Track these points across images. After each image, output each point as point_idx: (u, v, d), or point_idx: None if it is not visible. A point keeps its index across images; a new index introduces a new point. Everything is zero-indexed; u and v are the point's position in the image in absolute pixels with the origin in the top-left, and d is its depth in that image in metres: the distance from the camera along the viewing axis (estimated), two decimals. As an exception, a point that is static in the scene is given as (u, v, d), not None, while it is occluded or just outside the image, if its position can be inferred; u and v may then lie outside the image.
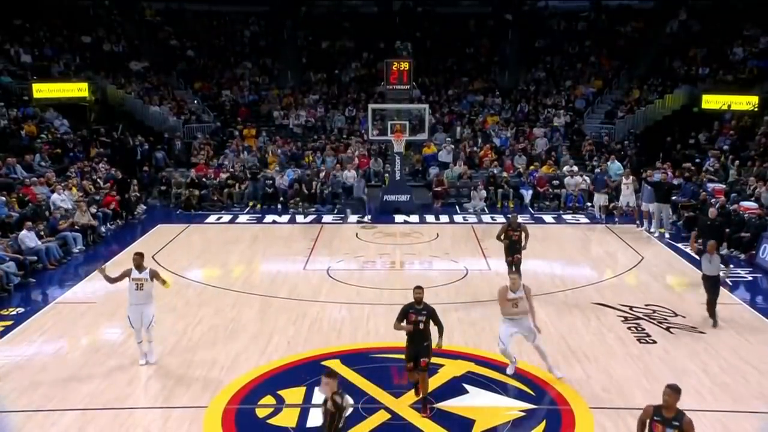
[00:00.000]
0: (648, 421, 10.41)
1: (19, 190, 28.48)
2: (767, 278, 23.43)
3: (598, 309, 20.17)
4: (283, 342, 17.74)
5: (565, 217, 32.67)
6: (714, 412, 14.10)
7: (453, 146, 38.50)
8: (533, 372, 15.84)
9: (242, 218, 32.75)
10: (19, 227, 25.04)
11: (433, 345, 13.81)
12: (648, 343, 17.76)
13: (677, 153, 35.75)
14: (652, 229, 29.19)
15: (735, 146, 34.66)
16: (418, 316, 13.49)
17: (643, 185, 30.71)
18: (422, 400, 13.72)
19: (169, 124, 40.98)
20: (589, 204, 32.92)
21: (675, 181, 31.29)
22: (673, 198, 30.10)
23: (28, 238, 24.45)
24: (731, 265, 18.84)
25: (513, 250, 20.58)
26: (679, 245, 27.21)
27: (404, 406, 13.88)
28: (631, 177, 31.90)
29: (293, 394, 14.81)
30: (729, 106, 36.58)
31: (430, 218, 32.34)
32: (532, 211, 33.72)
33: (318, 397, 14.69)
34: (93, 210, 28.84)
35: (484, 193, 34.35)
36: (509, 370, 15.31)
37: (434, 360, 14.45)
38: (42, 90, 37.44)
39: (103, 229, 29.28)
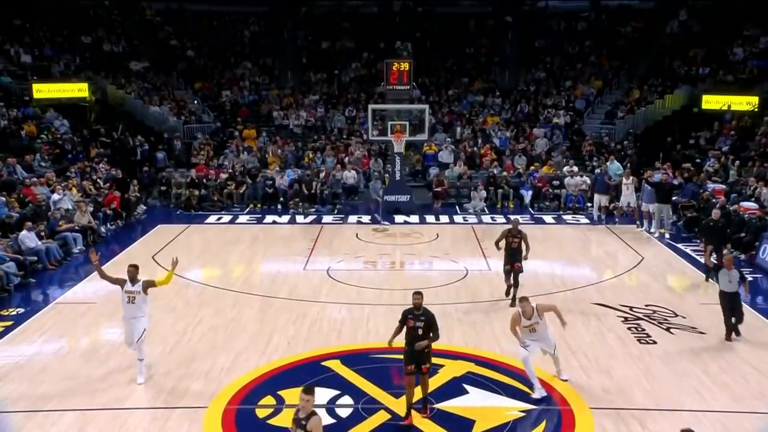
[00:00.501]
0: None
1: (19, 191, 28.49)
2: (767, 279, 23.51)
3: (599, 309, 20.20)
4: (283, 342, 17.76)
5: (565, 217, 32.69)
6: (714, 412, 14.13)
7: (453, 146, 38.56)
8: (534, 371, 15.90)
9: (242, 218, 32.77)
10: (19, 227, 25.05)
11: (422, 342, 13.57)
12: (648, 343, 17.77)
13: (677, 153, 35.78)
14: (652, 230, 29.19)
15: (735, 146, 34.69)
16: (416, 322, 13.37)
17: (643, 185, 30.71)
18: (422, 400, 13.67)
19: (169, 124, 41.02)
20: (589, 204, 32.94)
21: (675, 182, 31.29)
22: (674, 198, 30.12)
23: (28, 238, 24.45)
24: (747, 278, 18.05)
25: (512, 258, 20.01)
26: (680, 245, 27.28)
27: (404, 406, 13.82)
28: (631, 177, 31.95)
29: (293, 395, 14.42)
30: (729, 106, 36.62)
31: (430, 218, 32.36)
32: (532, 212, 33.77)
33: (318, 397, 14.76)
34: (90, 208, 28.86)
35: (484, 193, 34.32)
36: (536, 395, 14.56)
37: (435, 360, 14.46)
38: (42, 90, 37.51)
39: (103, 229, 29.30)
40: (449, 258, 25.81)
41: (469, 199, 34.35)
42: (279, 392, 14.87)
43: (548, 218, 32.54)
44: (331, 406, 14.36)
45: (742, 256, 24.64)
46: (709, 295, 21.34)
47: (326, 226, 31.05)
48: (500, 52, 48.03)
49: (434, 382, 14.74)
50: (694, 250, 26.47)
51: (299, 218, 32.65)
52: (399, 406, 13.62)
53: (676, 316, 19.58)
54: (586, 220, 31.83)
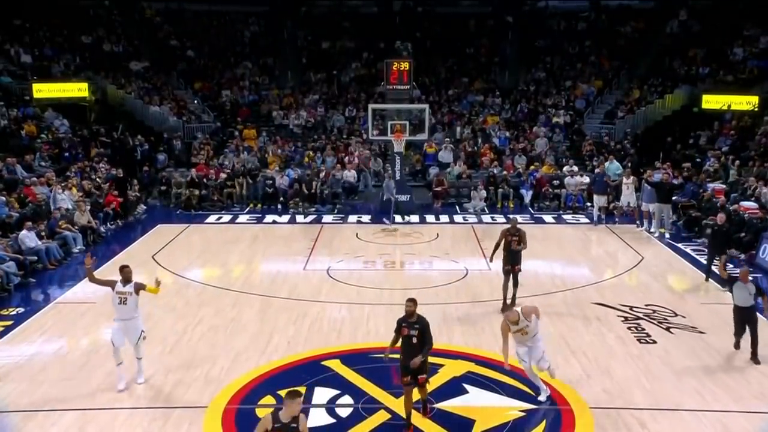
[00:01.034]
0: None
1: (19, 190, 28.52)
2: (766, 277, 23.52)
3: (599, 309, 20.20)
4: (283, 342, 17.78)
5: (565, 217, 32.72)
6: (714, 412, 14.13)
7: (452, 146, 38.58)
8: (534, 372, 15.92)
9: (242, 218, 32.81)
10: (19, 227, 25.11)
11: (416, 359, 13.23)
12: (648, 343, 17.79)
13: (677, 153, 35.81)
14: (652, 229, 29.21)
15: (735, 146, 34.72)
16: (410, 330, 13.13)
17: (643, 185, 30.75)
18: (421, 402, 13.59)
19: (169, 124, 41.05)
20: (588, 204, 32.94)
21: (676, 182, 31.31)
22: (674, 198, 30.14)
23: (28, 238, 24.50)
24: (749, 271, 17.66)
25: (512, 258, 19.76)
26: (680, 245, 27.31)
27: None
28: (631, 177, 32.01)
29: (293, 394, 14.83)
30: (729, 106, 36.64)
31: (430, 218, 32.38)
32: (532, 211, 33.79)
33: (318, 397, 14.81)
34: (88, 207, 28.93)
35: (484, 193, 34.37)
36: (542, 397, 14.50)
37: (434, 360, 14.47)
38: (42, 90, 37.55)
39: (102, 229, 29.35)
40: (449, 258, 25.81)
41: (469, 199, 34.40)
42: (279, 392, 14.61)
43: (548, 218, 32.55)
44: (331, 406, 14.39)
45: (742, 256, 24.67)
46: (709, 295, 21.49)
47: (326, 226, 31.07)
48: (500, 52, 48.05)
49: (434, 382, 14.75)
50: (695, 250, 26.55)
51: (299, 218, 32.68)
52: (399, 405, 13.60)
53: (676, 315, 19.59)
54: (586, 220, 31.82)
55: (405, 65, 36.50)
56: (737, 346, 16.39)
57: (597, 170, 34.02)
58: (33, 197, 28.33)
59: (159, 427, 13.74)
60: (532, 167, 36.69)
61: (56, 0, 44.33)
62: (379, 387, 14.76)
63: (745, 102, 36.07)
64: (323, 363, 16.39)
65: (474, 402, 14.55)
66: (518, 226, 19.97)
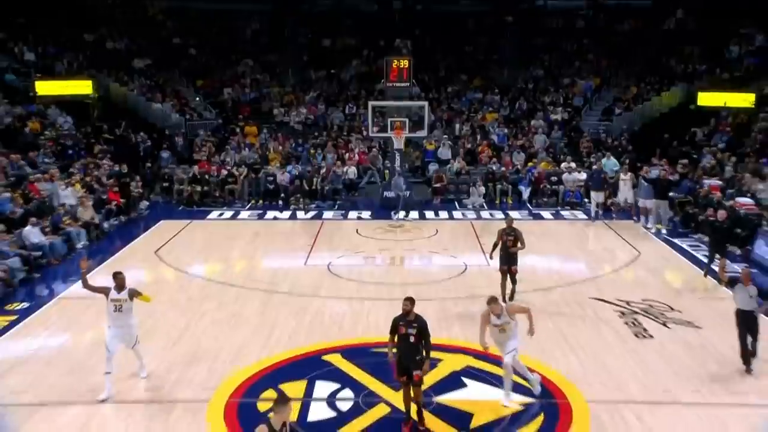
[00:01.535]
0: None
1: (24, 187, 28.54)
2: (762, 273, 23.41)
3: (596, 304, 20.25)
4: (284, 336, 17.83)
5: (563, 213, 32.78)
6: (711, 405, 14.19)
7: (451, 143, 38.62)
8: (533, 367, 15.88)
9: (244, 214, 32.84)
10: (23, 223, 25.13)
11: (425, 367, 13.16)
12: (645, 337, 17.85)
13: (674, 150, 35.84)
14: (649, 225, 29.27)
15: (731, 143, 34.77)
16: (408, 329, 13.01)
17: (640, 181, 30.82)
18: (417, 413, 13.26)
19: (172, 121, 41.08)
20: (586, 200, 32.99)
21: (672, 178, 31.36)
22: (671, 194, 30.18)
23: (32, 233, 24.54)
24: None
25: (508, 258, 19.78)
26: (676, 241, 27.38)
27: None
28: (629, 173, 32.06)
29: (294, 388, 14.80)
30: (725, 103, 36.66)
31: (429, 214, 32.41)
32: (530, 207, 33.84)
33: (319, 390, 14.85)
34: (91, 203, 29.02)
35: (482, 189, 34.43)
36: (536, 389, 14.44)
37: (434, 354, 14.48)
38: (45, 87, 37.52)
39: (106, 225, 29.37)
40: (448, 253, 25.84)
41: (468, 195, 34.50)
42: (280, 386, 14.86)
43: (546, 214, 32.56)
44: (331, 400, 14.45)
45: (738, 251, 24.69)
46: (706, 290, 21.49)
47: (327, 222, 31.11)
48: (498, 50, 48.05)
49: (434, 376, 14.79)
50: (691, 246, 26.64)
51: (300, 214, 32.74)
52: (399, 399, 13.57)
53: (673, 310, 19.62)
54: (584, 216, 31.87)
55: (404, 63, 36.47)
56: (746, 363, 15.36)
57: (594, 167, 34.12)
58: (37, 193, 28.33)
59: (162, 420, 13.79)
60: (530, 164, 36.76)
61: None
62: (379, 381, 14.81)
63: (741, 99, 36.10)
64: (324, 357, 16.44)
65: (473, 396, 14.61)
66: (514, 225, 19.89)
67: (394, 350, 13.17)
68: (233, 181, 35.30)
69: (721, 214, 22.58)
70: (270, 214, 32.78)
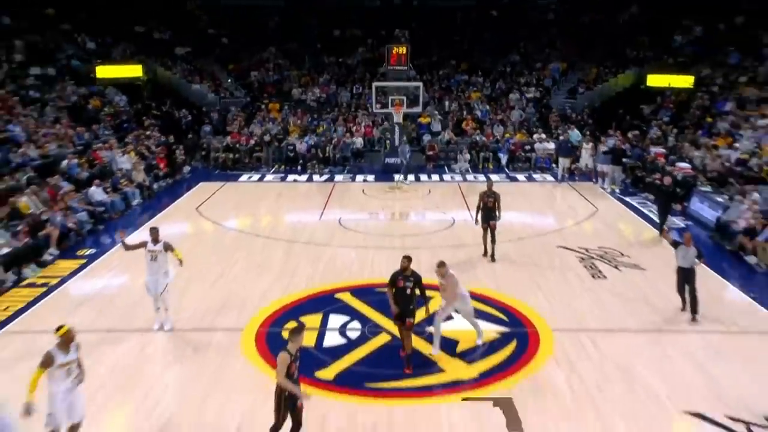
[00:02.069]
0: None
1: (89, 154, 28.68)
2: (696, 225, 23.62)
3: (561, 251, 20.43)
4: (303, 278, 17.97)
5: (534, 176, 32.73)
6: (651, 332, 14.53)
7: (441, 117, 38.63)
8: (508, 302, 16.17)
9: (268, 177, 32.79)
10: (89, 184, 25.35)
11: (423, 313, 13.31)
12: (600, 278, 18.06)
13: (627, 123, 35.86)
14: (605, 186, 29.35)
15: (674, 117, 34.77)
16: (405, 282, 12.88)
17: (599, 150, 30.97)
18: (405, 357, 13.14)
19: (208, 99, 40.99)
20: (554, 165, 33.04)
21: (625, 147, 31.46)
22: (624, 160, 30.32)
23: (96, 193, 24.83)
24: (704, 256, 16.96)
25: (488, 216, 19.31)
26: (627, 199, 27.46)
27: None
28: (590, 143, 32.18)
29: (312, 320, 15.09)
30: (669, 84, 36.58)
31: (423, 177, 32.38)
32: (508, 172, 33.74)
33: (332, 322, 15.11)
34: (142, 167, 29.29)
35: (468, 156, 34.36)
36: (434, 351, 13.71)
37: (427, 293, 14.66)
38: (104, 71, 37.35)
39: (155, 186, 29.51)
40: (439, 210, 25.87)
41: (456, 161, 34.41)
42: (301, 318, 15.08)
43: (521, 177, 32.49)
44: (342, 329, 14.72)
45: (678, 207, 24.82)
46: (651, 239, 21.67)
47: (338, 184, 31.10)
48: (482, 39, 47.71)
49: (424, 311, 14.93)
50: (640, 203, 26.73)
51: (315, 177, 32.69)
52: (398, 331, 13.75)
53: (623, 256, 19.84)
54: (552, 179, 31.85)
55: (403, 50, 36.27)
56: (684, 306, 15.39)
57: (562, 138, 34.18)
58: (99, 160, 28.46)
59: (205, 344, 14.10)
60: (507, 135, 36.62)
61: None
62: (382, 314, 15.01)
63: (682, 81, 36.03)
64: (336, 295, 16.65)
65: (458, 326, 14.66)
66: (493, 189, 19.55)
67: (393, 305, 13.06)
68: (260, 150, 35.42)
69: (667, 179, 22.62)
70: (290, 177, 32.72)
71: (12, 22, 36.98)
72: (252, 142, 35.84)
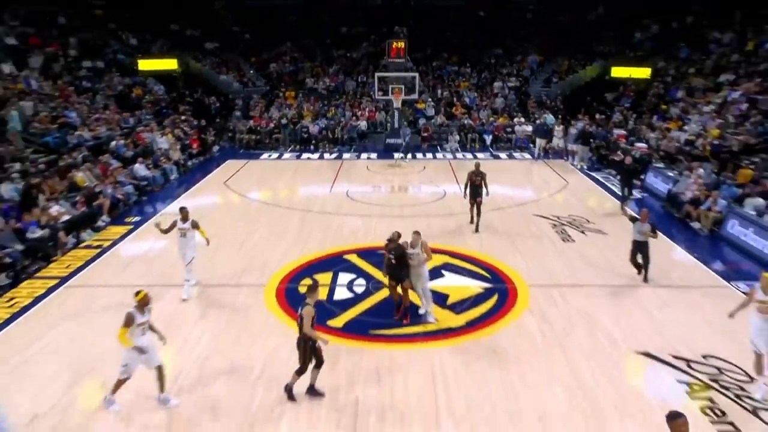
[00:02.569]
0: None
1: (133, 136, 28.81)
2: (651, 196, 23.82)
3: (536, 219, 20.54)
4: (316, 242, 18.10)
5: (515, 154, 32.71)
6: (611, 286, 14.70)
7: (435, 103, 38.63)
8: (491, 262, 16.33)
9: (286, 156, 32.78)
10: (133, 161, 25.56)
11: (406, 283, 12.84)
12: (569, 241, 18.22)
13: (593, 109, 35.85)
14: (575, 163, 29.45)
15: (633, 104, 34.76)
16: (389, 255, 12.75)
17: (569, 131, 31.05)
18: (404, 309, 13.10)
19: (234, 88, 40.90)
20: (531, 145, 33.06)
21: (592, 129, 31.52)
22: (591, 141, 30.40)
23: (140, 169, 24.99)
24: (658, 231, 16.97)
25: (474, 193, 19.09)
26: (593, 174, 27.53)
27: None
28: (561, 126, 32.25)
29: (324, 277, 15.24)
30: (630, 75, 36.52)
31: (419, 155, 32.37)
32: (492, 150, 33.73)
33: (341, 279, 15.29)
34: (178, 147, 29.39)
35: (457, 137, 34.42)
36: (422, 311, 13.30)
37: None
38: (145, 64, 37.32)
39: (189, 163, 29.64)
40: (433, 184, 25.93)
41: (447, 141, 34.50)
42: (314, 275, 15.28)
43: (503, 155, 32.48)
44: (350, 285, 14.89)
45: (638, 183, 24.89)
46: (613, 209, 21.79)
47: (345, 161, 31.10)
48: (471, 35, 47.54)
49: None
50: (604, 177, 26.85)
51: (326, 155, 32.72)
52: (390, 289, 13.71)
53: (589, 222, 20.00)
54: (529, 156, 31.87)
55: (401, 44, 36.15)
56: (639, 271, 15.22)
57: (538, 121, 34.16)
58: (142, 141, 28.53)
59: (234, 295, 14.36)
60: (492, 118, 36.64)
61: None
62: (383, 273, 15.16)
63: (641, 72, 35.96)
64: (344, 257, 16.80)
65: (449, 282, 14.95)
66: (480, 168, 19.36)
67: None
68: (278, 132, 35.46)
69: (628, 159, 22.59)
70: (304, 155, 32.73)
71: (67, 22, 36.88)
72: (271, 125, 35.87)
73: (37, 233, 17.29)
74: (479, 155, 31.54)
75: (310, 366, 10.20)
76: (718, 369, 11.19)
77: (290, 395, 10.26)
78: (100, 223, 20.20)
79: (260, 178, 27.61)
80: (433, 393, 10.49)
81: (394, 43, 36.34)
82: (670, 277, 15.42)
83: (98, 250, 17.92)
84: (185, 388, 10.69)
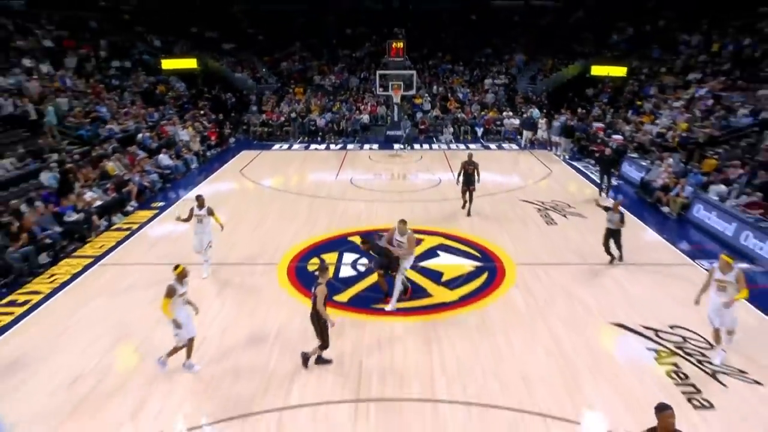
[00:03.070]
0: None
1: (158, 129, 28.87)
2: (626, 183, 23.89)
3: (522, 204, 20.61)
4: (323, 225, 18.18)
5: (503, 145, 32.68)
6: (590, 264, 14.83)
7: (430, 98, 38.63)
8: (481, 243, 16.46)
9: (295, 147, 32.69)
10: (158, 152, 25.60)
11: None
12: (552, 224, 18.33)
13: (575, 104, 35.84)
14: (558, 153, 29.46)
15: (611, 99, 34.76)
16: (371, 252, 12.82)
17: (553, 124, 31.07)
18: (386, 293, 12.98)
19: (248, 85, 40.82)
20: (519, 137, 33.10)
21: (573, 122, 31.56)
22: (574, 133, 30.48)
23: (164, 159, 25.00)
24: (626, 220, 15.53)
25: (467, 182, 18.96)
26: (575, 163, 27.55)
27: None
28: (545, 119, 32.29)
29: (330, 257, 15.42)
30: (608, 73, 36.47)
31: (416, 146, 32.33)
32: (483, 142, 33.72)
33: (346, 258, 15.41)
34: (198, 139, 29.36)
35: (451, 129, 34.44)
36: (389, 307, 12.67)
37: (419, 236, 14.91)
38: (168, 63, 37.24)
39: (208, 153, 29.66)
40: (429, 172, 25.90)
41: (442, 133, 34.54)
42: (322, 255, 15.45)
43: (492, 146, 32.43)
44: (354, 264, 15.03)
45: (616, 172, 24.96)
46: (591, 195, 21.75)
47: (349, 152, 31.04)
48: (464, 36, 47.43)
49: (417, 251, 14.82)
50: (584, 166, 26.81)
51: (332, 146, 32.65)
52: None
53: (570, 207, 20.09)
54: (516, 147, 31.88)
55: (400, 44, 36.05)
56: (611, 260, 15.02)
57: (525, 115, 34.14)
58: (165, 133, 28.60)
59: (249, 274, 14.45)
60: (483, 112, 36.67)
61: (175, 2, 43.90)
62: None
63: (618, 71, 35.91)
64: (349, 238, 16.87)
65: (443, 261, 15.07)
66: (473, 159, 19.22)
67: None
68: (288, 125, 35.52)
69: (608, 151, 22.64)
70: (312, 146, 32.66)
71: (98, 26, 36.89)
72: (282, 118, 35.86)
73: (73, 217, 17.44)
74: (471, 146, 31.61)
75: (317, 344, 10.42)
76: (683, 338, 11.40)
77: (305, 362, 10.46)
78: (128, 208, 20.34)
79: (272, 166, 27.59)
80: (429, 358, 10.68)
81: (394, 44, 36.29)
82: (642, 257, 15.54)
83: (128, 232, 18.07)
84: (207, 354, 10.91)
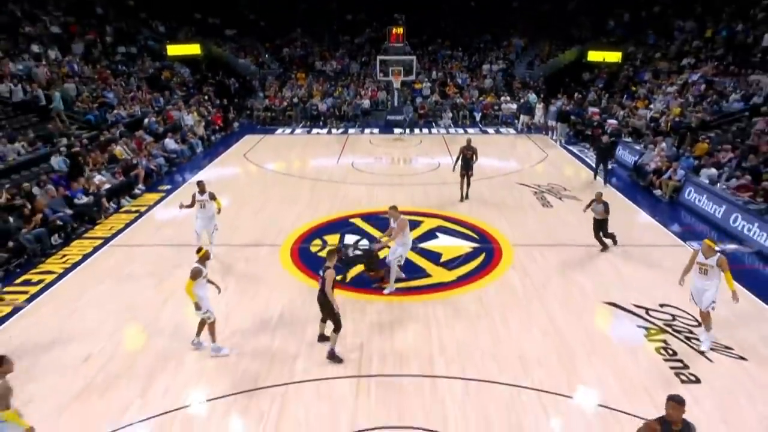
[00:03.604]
0: None
1: (164, 114, 28.86)
2: (620, 167, 23.90)
3: (519, 187, 20.66)
4: (325, 207, 18.20)
5: (501, 129, 32.72)
6: (584, 246, 14.90)
7: (430, 83, 38.58)
8: (479, 225, 16.55)
9: (297, 131, 32.70)
10: (164, 136, 25.64)
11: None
12: (548, 206, 18.40)
13: (571, 89, 35.78)
14: (554, 138, 29.45)
15: (606, 84, 34.74)
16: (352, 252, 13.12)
17: (549, 109, 31.06)
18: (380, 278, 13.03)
19: (251, 70, 40.68)
20: (516, 121, 33.10)
21: (569, 107, 31.54)
22: (570, 117, 30.48)
23: (170, 143, 25.01)
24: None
25: (466, 167, 18.84)
26: (570, 147, 27.57)
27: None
28: (542, 104, 32.27)
29: (332, 238, 15.52)
30: (604, 59, 36.41)
31: (416, 131, 32.39)
32: (481, 126, 33.73)
33: (348, 239, 15.48)
34: (203, 123, 29.39)
35: (450, 114, 34.43)
36: (387, 291, 12.66)
37: (417, 218, 15.04)
38: (172, 49, 37.02)
39: (213, 138, 29.68)
40: (428, 156, 25.95)
41: (441, 118, 34.53)
42: (324, 237, 15.56)
43: (490, 130, 32.44)
44: (356, 245, 15.09)
45: (612, 160, 24.87)
46: (586, 178, 21.92)
47: (351, 136, 31.05)
48: (462, 22, 47.22)
49: (416, 232, 15.25)
50: (580, 150, 26.84)
51: (333, 131, 32.67)
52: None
53: (566, 190, 20.17)
54: (513, 131, 31.94)
55: (400, 30, 35.89)
56: (603, 248, 14.87)
57: (522, 100, 34.11)
58: (171, 118, 28.58)
59: (254, 255, 14.55)
60: (481, 97, 36.66)
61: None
62: (383, 234, 15.36)
63: (613, 56, 35.85)
64: (350, 220, 16.99)
65: (441, 243, 15.17)
66: (472, 144, 19.17)
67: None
68: (291, 109, 35.48)
69: (605, 138, 22.66)
70: (314, 131, 32.67)
71: (103, 12, 36.75)
72: (284, 103, 35.79)
73: (83, 199, 17.51)
74: (470, 130, 31.69)
75: (323, 324, 10.58)
76: (672, 316, 11.53)
77: (323, 339, 10.61)
78: (136, 191, 20.38)
79: (275, 151, 27.59)
80: (428, 338, 10.78)
81: (394, 30, 36.12)
82: (635, 238, 15.65)
83: (136, 215, 18.14)
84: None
